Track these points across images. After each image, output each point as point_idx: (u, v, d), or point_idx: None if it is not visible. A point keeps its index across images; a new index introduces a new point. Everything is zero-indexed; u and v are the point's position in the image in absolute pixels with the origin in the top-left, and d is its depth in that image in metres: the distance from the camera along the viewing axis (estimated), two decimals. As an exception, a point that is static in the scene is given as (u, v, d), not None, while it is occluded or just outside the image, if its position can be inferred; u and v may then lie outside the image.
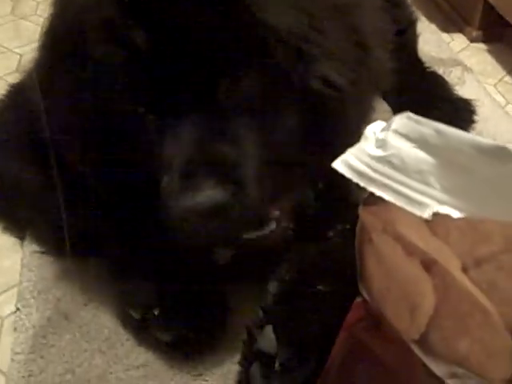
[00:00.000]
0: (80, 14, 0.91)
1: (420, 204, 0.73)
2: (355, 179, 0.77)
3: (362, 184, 0.77)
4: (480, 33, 1.98)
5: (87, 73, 0.91)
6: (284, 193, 1.01)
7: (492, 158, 0.68)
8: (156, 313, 0.99)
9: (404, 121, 0.75)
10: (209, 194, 0.85)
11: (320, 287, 1.00)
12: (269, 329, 0.95)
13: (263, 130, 0.93)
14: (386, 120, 0.79)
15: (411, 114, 0.74)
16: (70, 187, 1.09)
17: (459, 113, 1.53)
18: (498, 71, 1.86)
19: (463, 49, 1.95)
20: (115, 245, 1.07)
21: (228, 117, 0.91)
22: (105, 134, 0.95)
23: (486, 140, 0.69)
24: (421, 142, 0.73)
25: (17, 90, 1.28)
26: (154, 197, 0.97)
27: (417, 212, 0.72)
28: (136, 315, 1.01)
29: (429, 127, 0.72)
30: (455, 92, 1.60)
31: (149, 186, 0.97)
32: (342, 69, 0.94)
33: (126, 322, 1.05)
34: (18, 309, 1.08)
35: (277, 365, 0.92)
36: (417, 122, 0.73)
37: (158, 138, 0.92)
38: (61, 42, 0.96)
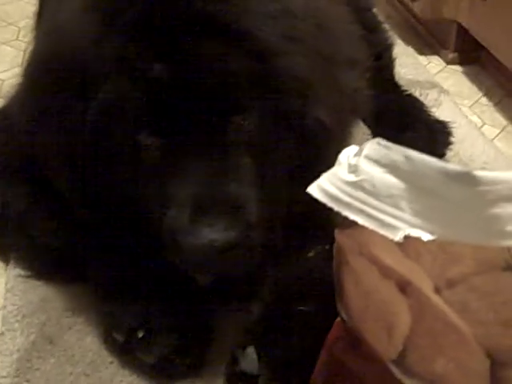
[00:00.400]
0: (83, 47, 0.92)
1: (392, 227, 0.75)
2: (329, 204, 0.79)
3: (336, 208, 0.79)
4: (456, 55, 2.03)
5: (90, 105, 0.92)
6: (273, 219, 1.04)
7: (459, 183, 0.71)
8: (140, 335, 1.00)
9: (375, 147, 0.77)
10: (222, 232, 0.88)
11: (301, 308, 1.02)
12: (251, 349, 0.96)
13: (263, 167, 0.97)
14: (362, 142, 0.82)
15: (382, 140, 0.77)
16: (56, 210, 1.11)
17: (436, 135, 1.56)
18: (474, 92, 1.90)
19: (440, 71, 2.00)
20: (101, 267, 1.09)
21: (236, 154, 0.94)
22: (104, 164, 0.97)
23: (452, 165, 0.71)
24: (391, 168, 0.75)
25: (0, 116, 1.29)
26: (144, 223, 1.00)
27: (389, 235, 0.75)
28: (120, 338, 1.02)
29: (398, 153, 0.75)
30: (432, 114, 1.64)
31: (141, 213, 1.00)
32: (329, 110, 1.00)
33: (110, 344, 1.06)
34: (2, 333, 1.09)
35: (259, 385, 0.94)
36: (387, 147, 0.76)
37: (164, 170, 0.94)
38: (55, 77, 0.96)
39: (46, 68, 0.98)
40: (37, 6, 1.34)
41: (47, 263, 1.15)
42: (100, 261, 1.09)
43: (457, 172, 0.70)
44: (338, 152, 1.02)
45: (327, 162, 1.00)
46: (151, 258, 1.06)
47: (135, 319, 1.02)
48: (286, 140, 1.00)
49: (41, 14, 1.29)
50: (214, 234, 0.88)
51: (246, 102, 0.94)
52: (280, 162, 1.01)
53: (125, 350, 1.03)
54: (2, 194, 1.15)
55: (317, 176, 0.83)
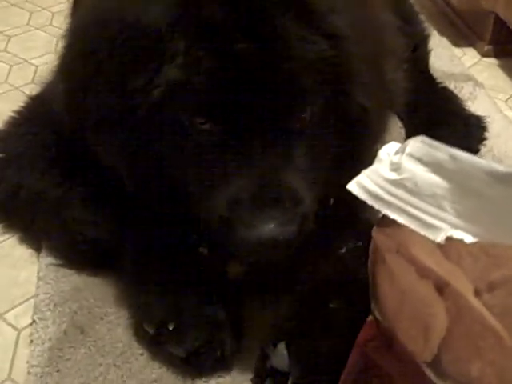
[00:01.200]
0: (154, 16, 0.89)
1: (433, 228, 0.74)
2: (369, 201, 0.78)
3: (376, 206, 0.78)
4: (491, 47, 1.99)
5: (154, 81, 0.89)
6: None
7: (505, 185, 0.69)
8: (171, 328, 1.00)
9: (418, 144, 0.76)
10: (284, 227, 0.88)
11: (332, 305, 1.01)
12: (282, 346, 0.96)
13: (316, 156, 0.96)
14: (397, 137, 0.81)
15: (425, 138, 0.75)
16: (93, 198, 1.11)
17: (471, 129, 1.53)
18: (510, 86, 1.86)
19: (475, 63, 1.96)
20: (136, 259, 1.08)
21: (297, 144, 0.94)
22: (161, 146, 0.96)
23: (499, 166, 0.70)
24: (435, 167, 0.74)
25: (35, 102, 1.29)
26: (190, 212, 0.99)
27: (430, 236, 0.73)
28: (150, 330, 1.02)
29: (443, 152, 0.73)
30: (467, 108, 1.61)
31: (188, 201, 0.99)
32: (370, 95, 0.98)
33: (141, 336, 1.06)
34: (34, 321, 1.09)
35: (289, 382, 0.93)
36: (431, 146, 0.74)
37: (223, 158, 0.92)
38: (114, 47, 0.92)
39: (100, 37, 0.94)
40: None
41: (81, 252, 1.15)
42: (135, 252, 1.08)
43: (503, 173, 0.69)
44: (376, 144, 1.03)
45: (370, 147, 1.01)
46: (186, 251, 1.05)
47: (166, 312, 1.02)
48: (336, 130, 0.99)
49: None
50: (275, 228, 0.87)
51: (314, 90, 0.92)
52: (328, 152, 1.00)
53: (155, 343, 1.03)
54: (37, 181, 1.15)
55: (354, 168, 0.82)
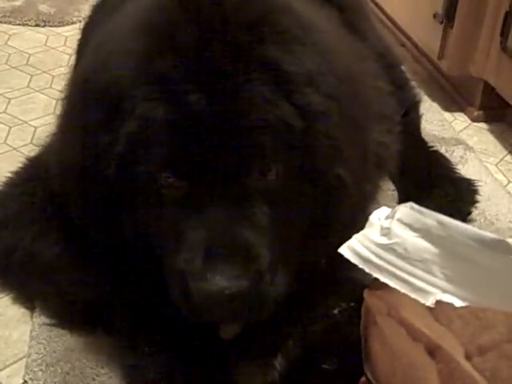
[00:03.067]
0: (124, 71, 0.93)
1: (423, 292, 0.75)
2: (360, 265, 0.80)
3: (367, 270, 0.80)
4: (481, 113, 2.03)
5: (118, 135, 0.93)
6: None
7: (492, 251, 0.71)
8: None
9: (408, 210, 0.78)
10: (234, 280, 0.89)
11: (325, 365, 1.01)
12: (277, 406, 0.95)
13: (281, 217, 0.97)
14: (390, 199, 0.83)
15: (414, 205, 0.77)
16: (84, 261, 1.12)
17: (462, 192, 1.55)
18: (500, 151, 1.90)
19: (465, 128, 2.00)
20: (126, 319, 1.09)
21: (255, 202, 0.95)
22: (128, 202, 0.99)
23: (486, 233, 0.72)
24: (424, 232, 0.76)
25: (33, 163, 1.31)
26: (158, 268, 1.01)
27: (420, 299, 0.75)
28: None
29: (432, 218, 0.76)
30: (457, 171, 1.63)
31: (156, 255, 1.01)
32: (352, 168, 1.00)
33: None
34: (25, 381, 1.08)
35: None
36: (420, 212, 0.77)
37: (183, 211, 0.94)
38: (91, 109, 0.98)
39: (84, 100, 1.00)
40: (73, 56, 1.37)
41: (73, 313, 1.15)
42: (125, 313, 1.09)
43: (491, 239, 0.71)
44: (360, 208, 1.04)
45: (344, 218, 1.02)
46: (173, 311, 1.06)
47: (157, 372, 1.01)
48: (306, 194, 1.00)
49: (76, 65, 1.33)
50: (225, 281, 0.88)
51: (274, 154, 0.94)
52: (297, 215, 1.01)
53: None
54: (32, 242, 1.17)
55: (336, 233, 0.84)
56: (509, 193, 1.68)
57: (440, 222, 0.74)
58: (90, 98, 0.97)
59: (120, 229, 1.02)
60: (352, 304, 1.07)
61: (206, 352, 1.05)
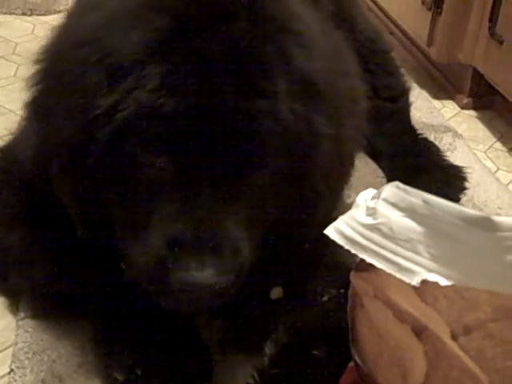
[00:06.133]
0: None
1: (409, 271, 0.75)
2: (346, 246, 0.79)
3: (353, 251, 0.79)
4: (470, 100, 2.04)
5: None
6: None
7: (477, 228, 0.70)
8: (139, 373, 0.99)
9: (393, 190, 0.77)
10: (223, 276, 0.88)
11: (315, 352, 1.01)
12: (265, 393, 0.95)
13: (258, 213, 0.97)
14: (377, 186, 0.83)
15: (400, 184, 0.77)
16: (56, 252, 1.10)
17: (451, 179, 1.56)
18: (489, 138, 1.90)
19: (454, 115, 2.01)
20: (100, 307, 1.08)
21: (242, 198, 0.93)
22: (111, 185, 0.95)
23: (470, 211, 0.71)
24: (409, 211, 0.76)
25: (5, 154, 1.26)
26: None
27: (406, 279, 0.74)
28: (120, 377, 1.00)
29: (417, 197, 0.75)
30: (446, 158, 1.64)
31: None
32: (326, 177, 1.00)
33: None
34: (11, 370, 1.08)
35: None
36: (405, 191, 0.76)
37: (168, 198, 0.92)
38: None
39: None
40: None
41: (50, 304, 1.14)
42: (99, 301, 1.08)
43: (475, 217, 0.70)
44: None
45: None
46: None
47: (134, 358, 1.01)
48: (285, 194, 0.99)
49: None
50: (212, 275, 0.87)
51: (274, 153, 0.92)
52: (273, 211, 1.00)
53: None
54: (5, 235, 1.14)
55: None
56: (497, 179, 1.69)
57: (425, 201, 0.74)
58: (90, 61, 0.91)
59: (99, 209, 0.99)
60: (341, 290, 1.08)
61: (182, 333, 1.04)
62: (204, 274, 0.87)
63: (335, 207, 1.09)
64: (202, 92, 0.86)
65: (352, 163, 1.14)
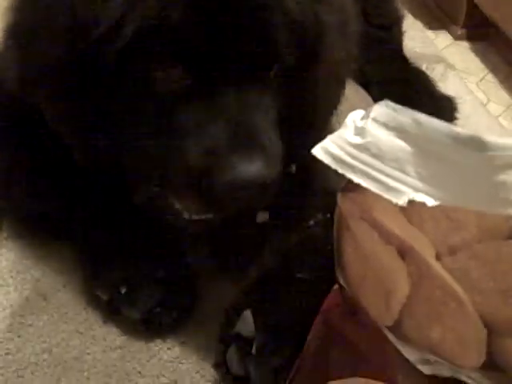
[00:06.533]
0: None
1: (396, 191, 0.74)
2: (334, 166, 0.78)
3: (340, 170, 0.78)
4: (464, 31, 2.00)
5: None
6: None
7: (467, 148, 0.69)
8: (123, 291, 1.00)
9: (383, 109, 0.76)
10: (263, 167, 0.86)
11: (300, 275, 1.01)
12: (247, 313, 0.96)
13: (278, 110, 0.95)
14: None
15: (390, 103, 0.75)
16: (37, 171, 1.09)
17: (441, 109, 1.54)
18: (481, 69, 1.88)
19: (447, 46, 1.97)
20: (82, 226, 1.07)
21: (270, 95, 0.92)
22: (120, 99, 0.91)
23: (461, 130, 0.70)
24: (398, 131, 0.74)
25: None
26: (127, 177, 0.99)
27: (393, 199, 0.74)
28: (104, 296, 1.02)
29: (407, 116, 0.74)
30: (438, 88, 1.62)
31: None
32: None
33: (96, 304, 1.05)
34: (-5, 289, 1.08)
35: (254, 349, 0.93)
36: (395, 110, 0.75)
37: (194, 105, 0.89)
38: None
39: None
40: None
41: (33, 225, 1.13)
42: (81, 220, 1.07)
43: (466, 136, 0.69)
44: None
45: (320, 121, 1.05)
46: (133, 211, 1.04)
47: (117, 276, 1.01)
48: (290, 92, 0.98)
49: None
50: (259, 169, 0.85)
51: (288, 45, 0.90)
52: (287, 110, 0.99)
53: (110, 308, 1.02)
54: None
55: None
56: (488, 112, 1.68)
57: (415, 120, 0.72)
58: None
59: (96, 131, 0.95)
60: (328, 215, 1.08)
61: (164, 250, 1.05)
62: (252, 167, 0.85)
63: (330, 121, 1.10)
64: None
65: (343, 87, 1.12)
